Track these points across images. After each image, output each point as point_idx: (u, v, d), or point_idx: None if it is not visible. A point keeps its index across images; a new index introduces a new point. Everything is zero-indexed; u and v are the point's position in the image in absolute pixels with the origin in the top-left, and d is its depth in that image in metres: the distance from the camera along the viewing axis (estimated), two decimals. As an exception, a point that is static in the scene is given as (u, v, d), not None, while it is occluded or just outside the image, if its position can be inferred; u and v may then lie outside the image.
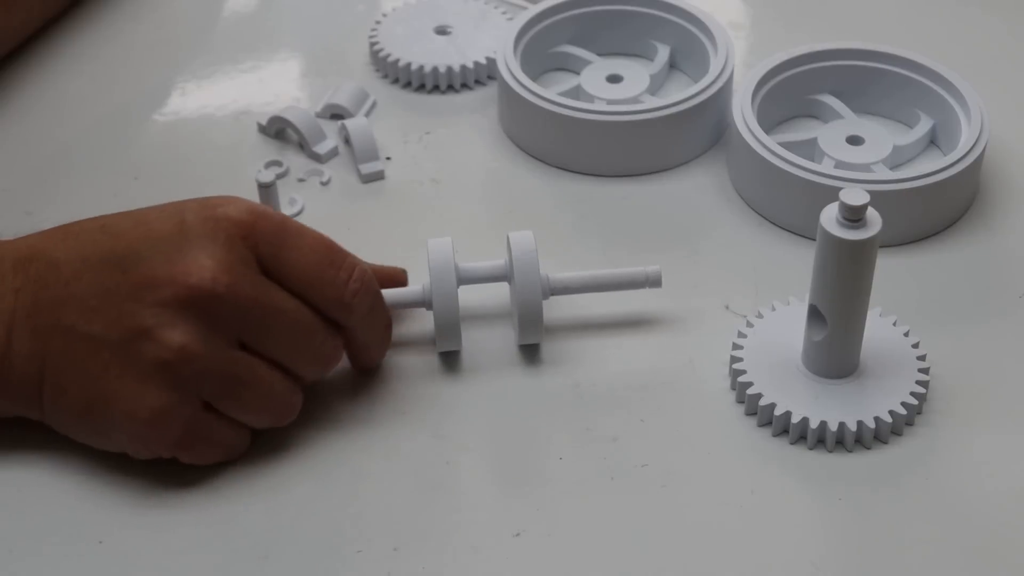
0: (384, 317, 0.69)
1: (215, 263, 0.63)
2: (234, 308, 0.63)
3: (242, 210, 0.64)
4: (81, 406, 0.64)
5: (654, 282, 0.72)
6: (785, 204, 0.78)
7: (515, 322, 0.72)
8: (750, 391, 0.68)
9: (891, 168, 0.80)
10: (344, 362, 0.71)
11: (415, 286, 0.71)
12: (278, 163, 0.83)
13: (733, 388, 0.70)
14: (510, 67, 0.83)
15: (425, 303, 0.71)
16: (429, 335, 0.72)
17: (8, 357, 0.64)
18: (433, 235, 0.71)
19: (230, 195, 0.66)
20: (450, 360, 0.72)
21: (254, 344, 0.64)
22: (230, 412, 0.65)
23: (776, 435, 0.68)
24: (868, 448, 0.67)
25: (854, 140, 0.81)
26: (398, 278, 0.72)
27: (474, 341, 0.72)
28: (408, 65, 0.88)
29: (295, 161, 0.84)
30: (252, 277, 0.64)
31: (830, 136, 0.81)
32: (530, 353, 0.72)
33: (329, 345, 0.66)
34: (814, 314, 0.67)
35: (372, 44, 0.90)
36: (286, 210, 0.79)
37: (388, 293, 0.70)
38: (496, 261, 0.72)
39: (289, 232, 0.65)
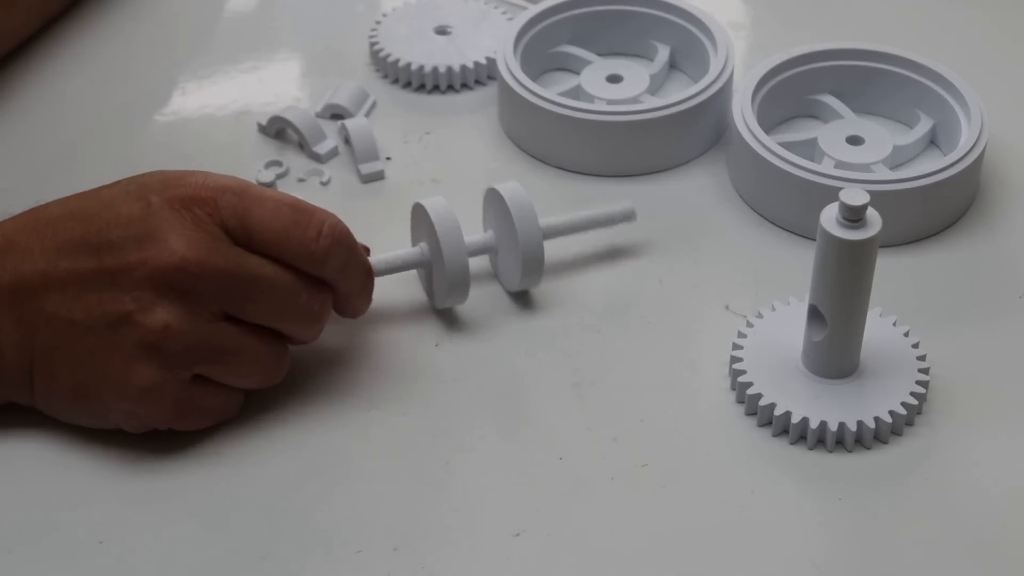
0: (362, 265, 0.69)
1: (184, 242, 0.64)
2: (209, 282, 0.64)
3: (202, 187, 0.65)
4: (72, 390, 0.65)
5: (628, 216, 0.76)
6: (785, 204, 0.78)
7: (512, 269, 0.73)
8: (750, 391, 0.68)
9: (891, 168, 0.80)
10: (341, 365, 0.71)
11: (412, 248, 0.73)
12: (278, 163, 0.83)
13: (733, 388, 0.70)
14: (510, 67, 0.83)
15: (424, 263, 0.72)
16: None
17: None
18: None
19: (190, 170, 0.66)
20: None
21: (238, 313, 0.65)
22: (220, 380, 0.66)
23: (776, 435, 0.68)
24: (868, 448, 0.67)
25: (854, 140, 0.81)
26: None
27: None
28: (408, 65, 0.88)
29: (295, 161, 0.84)
30: (224, 250, 0.64)
31: (830, 136, 0.81)
32: (528, 351, 0.72)
33: (316, 302, 0.67)
34: (814, 314, 0.67)
35: (372, 44, 0.90)
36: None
37: (386, 258, 0.72)
38: (482, 235, 0.75)
39: (251, 200, 0.65)
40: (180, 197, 0.65)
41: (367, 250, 0.72)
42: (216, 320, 0.65)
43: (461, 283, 0.71)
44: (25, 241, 0.65)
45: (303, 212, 0.66)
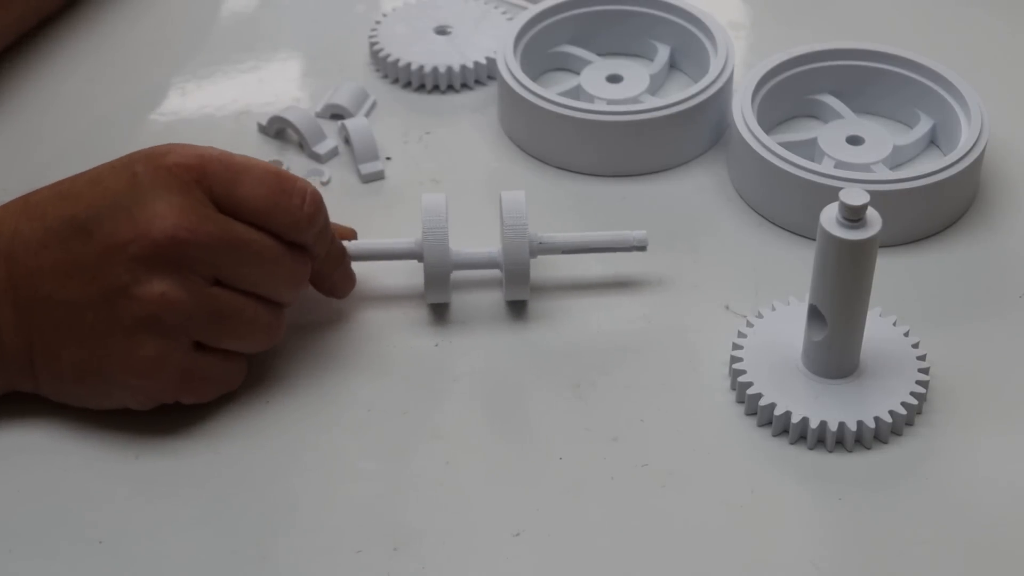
0: (330, 231, 0.70)
1: (174, 211, 0.64)
2: (201, 249, 0.65)
3: (189, 156, 0.66)
4: (76, 370, 0.66)
5: (639, 245, 0.74)
6: (785, 204, 0.78)
7: (503, 278, 0.73)
8: (750, 391, 0.68)
9: (891, 168, 0.80)
10: (340, 364, 0.71)
11: (407, 239, 0.73)
12: (278, 163, 0.83)
13: (733, 388, 0.70)
14: (510, 67, 0.83)
15: (416, 255, 0.73)
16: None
17: None
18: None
19: (174, 142, 0.67)
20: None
21: (228, 279, 0.66)
22: (221, 344, 0.67)
23: (776, 435, 0.68)
24: (868, 448, 0.67)
25: (854, 140, 0.81)
26: (348, 236, 0.74)
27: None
28: (408, 65, 0.88)
29: (295, 161, 0.84)
30: (212, 217, 0.65)
31: (830, 136, 0.81)
32: (528, 351, 0.72)
33: (299, 265, 0.68)
34: (814, 314, 0.67)
35: (372, 44, 0.90)
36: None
37: (381, 243, 0.73)
38: (489, 248, 0.74)
39: (237, 168, 0.66)
40: (166, 166, 0.65)
41: (354, 233, 0.74)
42: (209, 286, 0.65)
43: (439, 279, 0.72)
44: (16, 224, 0.66)
45: (287, 180, 0.67)
